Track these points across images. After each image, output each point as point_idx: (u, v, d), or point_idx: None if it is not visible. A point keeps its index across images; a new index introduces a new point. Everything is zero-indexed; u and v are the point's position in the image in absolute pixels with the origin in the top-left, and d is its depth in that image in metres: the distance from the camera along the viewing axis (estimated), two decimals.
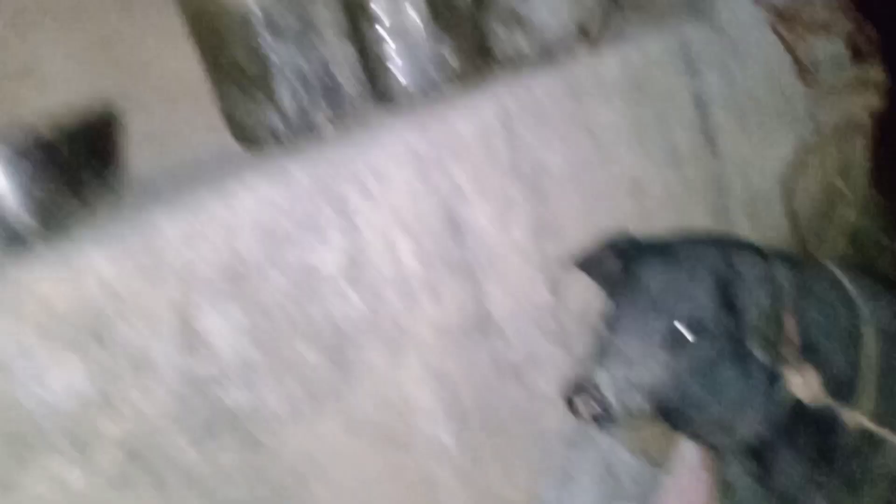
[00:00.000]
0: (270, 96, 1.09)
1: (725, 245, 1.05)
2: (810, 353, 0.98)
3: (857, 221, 1.60)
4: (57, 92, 1.08)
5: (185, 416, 0.82)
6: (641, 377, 0.96)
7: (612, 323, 0.99)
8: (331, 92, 1.12)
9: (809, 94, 1.53)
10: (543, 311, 1.14)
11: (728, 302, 0.98)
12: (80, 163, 0.92)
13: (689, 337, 0.96)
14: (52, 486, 0.75)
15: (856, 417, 0.97)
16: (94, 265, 0.80)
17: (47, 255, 0.81)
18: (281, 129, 1.10)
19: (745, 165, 1.44)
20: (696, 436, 1.08)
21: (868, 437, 0.99)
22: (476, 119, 1.09)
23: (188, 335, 0.84)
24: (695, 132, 1.36)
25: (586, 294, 1.10)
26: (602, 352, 0.97)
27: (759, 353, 0.97)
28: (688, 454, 1.14)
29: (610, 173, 1.24)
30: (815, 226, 1.54)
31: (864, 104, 1.60)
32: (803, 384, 0.96)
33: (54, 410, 0.75)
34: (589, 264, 1.08)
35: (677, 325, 0.96)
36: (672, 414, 1.03)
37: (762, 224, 1.43)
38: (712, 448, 1.12)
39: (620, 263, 1.04)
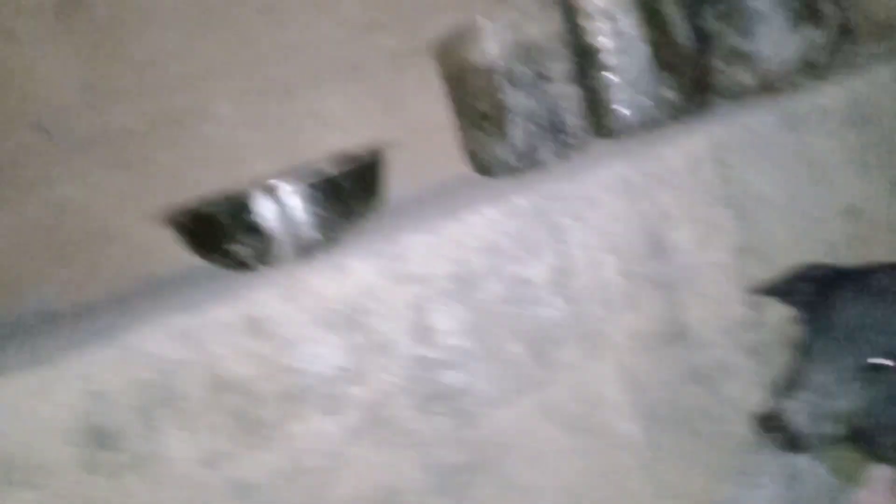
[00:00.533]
0: (504, 135, 1.29)
1: None
2: None
3: None
4: (337, 133, 1.39)
5: (413, 388, 1.05)
6: (834, 406, 0.96)
7: (805, 351, 1.00)
8: (556, 129, 1.30)
9: None
10: (739, 325, 1.20)
11: None
12: (354, 193, 1.19)
13: (888, 366, 0.95)
14: (312, 433, 1.01)
15: None
16: (356, 268, 1.04)
17: (323, 261, 1.08)
18: (512, 162, 1.30)
19: None
20: (890, 460, 1.08)
21: None
22: (687, 149, 1.19)
23: (420, 326, 1.06)
24: None
25: (785, 312, 1.15)
26: (794, 381, 0.99)
27: None
28: (881, 473, 1.15)
29: (825, 200, 1.26)
30: None
31: None
32: None
33: (318, 376, 1.01)
34: (782, 290, 1.11)
35: (875, 356, 0.95)
36: (865, 440, 1.03)
37: None
38: None
39: (816, 291, 1.04)
